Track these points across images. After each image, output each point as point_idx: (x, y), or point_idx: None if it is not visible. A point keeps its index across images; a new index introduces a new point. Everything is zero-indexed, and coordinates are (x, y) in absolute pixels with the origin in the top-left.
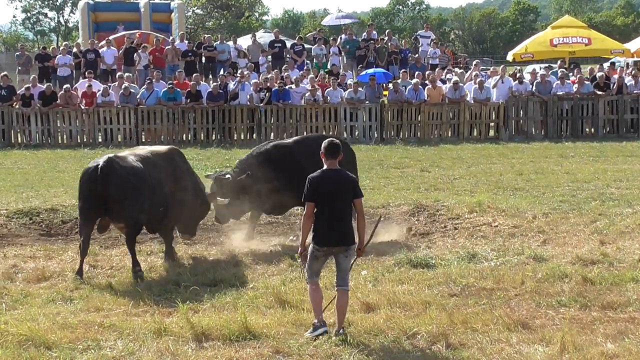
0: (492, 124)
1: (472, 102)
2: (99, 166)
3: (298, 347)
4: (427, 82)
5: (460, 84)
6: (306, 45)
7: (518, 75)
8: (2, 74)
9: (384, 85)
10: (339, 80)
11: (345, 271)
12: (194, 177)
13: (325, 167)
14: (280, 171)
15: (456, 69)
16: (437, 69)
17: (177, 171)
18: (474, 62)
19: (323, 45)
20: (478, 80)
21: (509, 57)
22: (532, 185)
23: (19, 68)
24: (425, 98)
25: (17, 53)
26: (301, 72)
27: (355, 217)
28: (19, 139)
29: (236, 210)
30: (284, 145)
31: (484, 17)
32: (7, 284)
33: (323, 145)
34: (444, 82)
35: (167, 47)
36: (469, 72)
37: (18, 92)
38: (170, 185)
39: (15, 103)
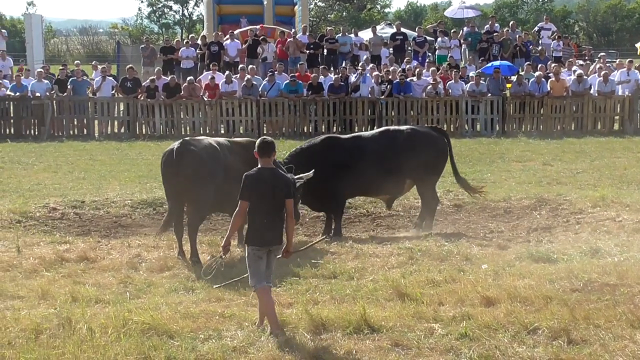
0: (616, 117)
1: (597, 95)
2: (174, 148)
3: (417, 340)
4: (550, 74)
5: (585, 77)
6: (428, 38)
7: None
8: (128, 66)
9: (507, 77)
10: (460, 73)
11: (271, 269)
12: None
13: (259, 165)
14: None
15: (580, 62)
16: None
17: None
18: (599, 55)
19: (445, 37)
20: (602, 72)
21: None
22: None
23: (144, 60)
24: (549, 90)
25: (142, 46)
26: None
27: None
28: (144, 130)
29: None
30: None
31: (610, 9)
32: (131, 273)
33: (257, 144)
34: (567, 74)
35: (289, 40)
36: (594, 64)
37: (143, 84)
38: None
39: (140, 95)
